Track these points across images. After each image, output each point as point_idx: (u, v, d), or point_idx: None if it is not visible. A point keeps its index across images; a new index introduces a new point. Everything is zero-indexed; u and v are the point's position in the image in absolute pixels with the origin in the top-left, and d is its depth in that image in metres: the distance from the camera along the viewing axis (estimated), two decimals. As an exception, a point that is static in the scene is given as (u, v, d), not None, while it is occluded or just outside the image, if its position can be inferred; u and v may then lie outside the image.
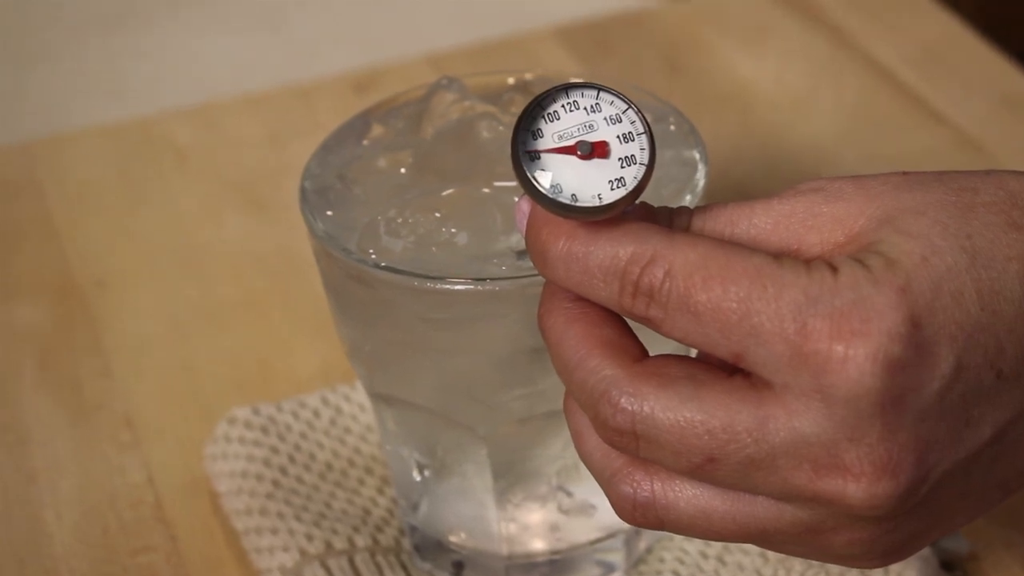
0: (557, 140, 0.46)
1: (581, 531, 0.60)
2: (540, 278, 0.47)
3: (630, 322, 0.46)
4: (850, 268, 0.43)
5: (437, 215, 0.55)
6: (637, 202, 0.46)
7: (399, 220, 0.55)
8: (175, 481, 0.67)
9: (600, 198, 0.45)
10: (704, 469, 0.44)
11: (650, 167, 0.45)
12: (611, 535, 0.60)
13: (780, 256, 0.44)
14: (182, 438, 0.69)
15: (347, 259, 0.54)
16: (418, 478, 0.60)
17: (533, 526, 0.60)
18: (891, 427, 0.42)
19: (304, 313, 0.75)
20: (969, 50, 0.90)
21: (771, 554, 0.60)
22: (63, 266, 0.79)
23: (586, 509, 0.59)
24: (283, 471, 0.65)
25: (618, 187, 0.45)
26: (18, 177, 0.86)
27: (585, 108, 0.46)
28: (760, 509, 0.45)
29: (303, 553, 0.61)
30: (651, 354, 0.46)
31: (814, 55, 0.91)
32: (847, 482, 0.43)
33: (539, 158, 0.45)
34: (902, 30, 0.92)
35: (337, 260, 0.54)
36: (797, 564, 0.60)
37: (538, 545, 0.60)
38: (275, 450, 0.66)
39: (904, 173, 0.46)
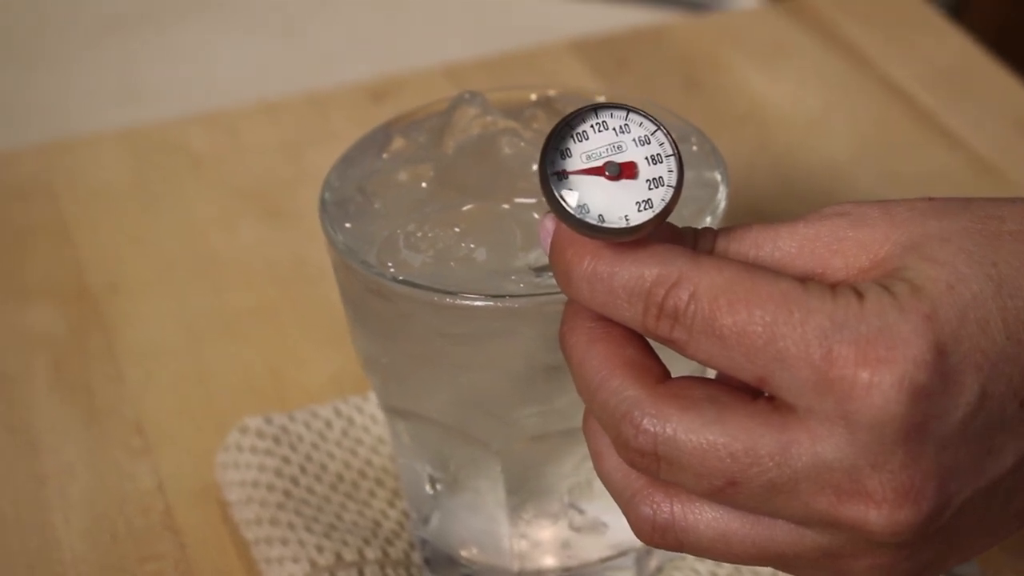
0: (585, 160, 0.45)
1: (592, 549, 0.60)
2: (559, 296, 0.47)
3: (652, 343, 0.46)
4: (876, 294, 0.43)
5: (456, 230, 0.55)
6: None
7: (418, 234, 0.55)
8: (185, 489, 0.67)
9: (627, 219, 0.45)
10: (725, 492, 0.44)
11: (678, 189, 0.45)
12: (622, 553, 0.60)
13: (806, 281, 0.44)
14: (193, 446, 0.69)
15: (366, 272, 0.54)
16: (430, 492, 0.60)
17: (544, 543, 0.59)
18: (914, 454, 0.42)
19: (317, 323, 0.75)
20: (985, 72, 0.90)
21: (783, 576, 0.60)
22: (76, 271, 0.79)
23: (598, 527, 0.59)
24: (294, 482, 0.65)
25: (645, 209, 0.45)
26: (32, 181, 0.85)
27: (614, 129, 0.46)
28: (780, 533, 0.45)
29: (313, 564, 0.61)
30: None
31: (830, 74, 0.91)
32: (869, 508, 0.43)
33: (567, 178, 0.45)
34: (918, 51, 0.92)
35: (356, 273, 0.54)
36: (809, 586, 0.59)
37: (549, 562, 0.60)
38: (287, 460, 0.66)
39: (930, 199, 0.46)
